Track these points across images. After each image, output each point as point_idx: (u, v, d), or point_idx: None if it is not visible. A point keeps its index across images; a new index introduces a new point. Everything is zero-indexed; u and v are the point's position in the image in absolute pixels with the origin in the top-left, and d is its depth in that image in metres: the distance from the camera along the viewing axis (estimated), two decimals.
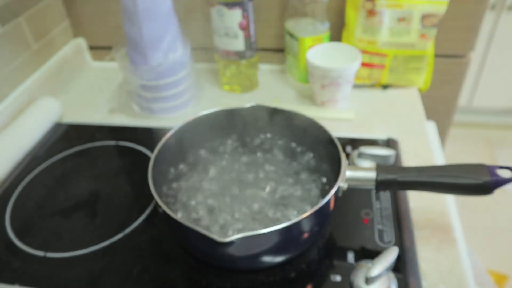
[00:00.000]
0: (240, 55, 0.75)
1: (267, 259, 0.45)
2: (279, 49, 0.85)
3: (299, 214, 0.49)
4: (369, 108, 0.74)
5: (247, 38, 0.74)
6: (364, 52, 0.74)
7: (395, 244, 0.49)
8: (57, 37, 0.86)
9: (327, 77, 0.69)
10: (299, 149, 0.57)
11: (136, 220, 0.55)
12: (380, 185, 0.47)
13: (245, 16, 0.71)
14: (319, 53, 0.71)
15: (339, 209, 0.53)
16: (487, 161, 0.47)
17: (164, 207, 0.43)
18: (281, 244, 0.43)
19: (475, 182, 0.44)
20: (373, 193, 0.56)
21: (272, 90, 0.82)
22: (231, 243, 0.38)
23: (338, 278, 0.46)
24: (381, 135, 0.66)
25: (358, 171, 0.47)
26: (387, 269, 0.42)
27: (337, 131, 0.64)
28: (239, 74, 0.79)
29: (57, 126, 0.74)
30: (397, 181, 0.46)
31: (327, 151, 0.51)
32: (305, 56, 0.71)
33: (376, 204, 0.54)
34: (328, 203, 0.43)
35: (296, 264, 0.48)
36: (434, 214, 0.54)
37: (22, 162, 0.67)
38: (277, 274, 0.47)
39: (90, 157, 0.67)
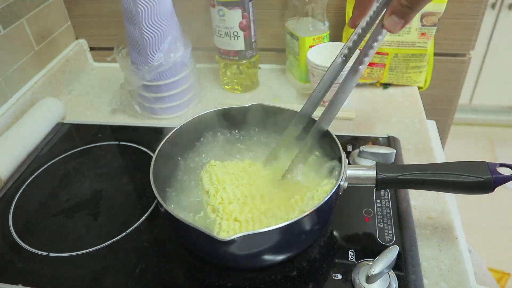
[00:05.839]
0: (240, 55, 0.75)
1: (269, 257, 0.46)
2: (280, 49, 0.85)
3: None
4: (369, 107, 0.75)
5: (248, 38, 0.74)
6: None
7: (396, 243, 0.49)
8: (59, 39, 0.86)
9: None
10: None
11: (139, 219, 0.55)
12: (381, 183, 0.47)
13: (245, 16, 0.71)
14: (320, 52, 0.71)
15: (340, 208, 0.53)
16: (487, 159, 0.47)
17: (166, 206, 0.43)
18: (282, 243, 0.43)
19: (476, 180, 0.44)
20: (374, 191, 0.56)
21: (272, 89, 0.82)
22: (232, 241, 0.39)
23: (339, 276, 0.46)
24: (381, 134, 0.66)
25: (359, 170, 0.48)
26: (388, 268, 0.42)
27: (337, 130, 0.65)
28: (239, 74, 0.79)
29: (60, 126, 0.75)
30: (397, 180, 0.47)
31: (328, 150, 0.52)
32: (306, 56, 0.71)
33: (377, 203, 0.54)
34: (328, 201, 0.43)
35: (297, 263, 0.48)
36: (435, 212, 0.54)
37: (25, 162, 0.67)
38: (279, 272, 0.47)
39: (92, 157, 0.67)
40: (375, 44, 0.43)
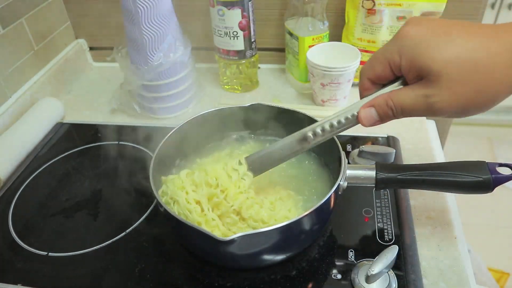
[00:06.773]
0: (240, 54, 0.75)
1: (268, 257, 0.46)
2: (279, 49, 0.85)
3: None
4: None
5: (247, 37, 0.74)
6: (364, 51, 0.74)
7: (396, 242, 0.49)
8: (58, 38, 0.86)
9: (327, 76, 0.69)
10: None
11: (138, 219, 0.55)
12: (380, 183, 0.47)
13: (245, 16, 0.71)
14: (319, 52, 0.71)
15: (340, 208, 0.53)
16: (487, 158, 0.47)
17: (165, 206, 0.43)
18: (281, 243, 0.43)
19: (475, 179, 0.44)
20: (374, 191, 0.56)
21: (272, 89, 0.82)
22: (232, 241, 0.39)
23: (338, 276, 0.46)
24: (381, 134, 0.66)
25: (358, 169, 0.48)
26: (388, 267, 0.42)
27: None
28: (239, 73, 0.79)
29: (59, 126, 0.75)
30: (397, 179, 0.47)
31: (327, 150, 0.52)
32: (305, 55, 0.71)
33: (376, 203, 0.54)
34: (328, 201, 0.43)
35: (297, 263, 0.48)
36: (434, 212, 0.54)
37: (25, 162, 0.67)
38: (278, 272, 0.47)
39: (91, 157, 0.67)
40: (338, 130, 0.44)
